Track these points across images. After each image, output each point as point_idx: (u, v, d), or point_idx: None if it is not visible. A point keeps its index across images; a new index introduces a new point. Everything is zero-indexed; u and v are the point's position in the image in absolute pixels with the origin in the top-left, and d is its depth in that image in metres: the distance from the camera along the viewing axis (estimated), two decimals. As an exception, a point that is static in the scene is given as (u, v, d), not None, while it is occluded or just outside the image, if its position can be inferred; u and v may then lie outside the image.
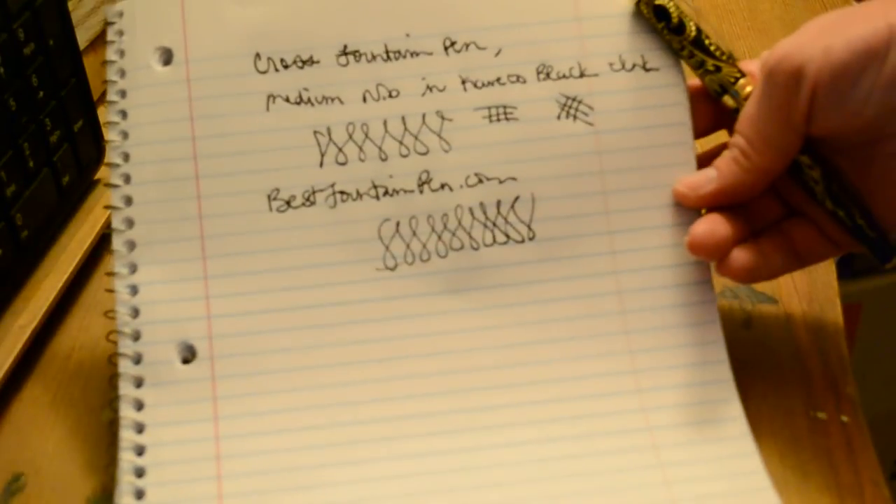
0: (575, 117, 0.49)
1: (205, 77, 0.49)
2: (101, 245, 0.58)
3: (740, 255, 0.48)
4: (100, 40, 0.69)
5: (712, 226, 0.48)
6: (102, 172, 0.62)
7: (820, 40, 0.45)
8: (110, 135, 0.49)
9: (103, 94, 0.70)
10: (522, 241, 0.49)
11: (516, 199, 0.49)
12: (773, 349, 0.52)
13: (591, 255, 0.49)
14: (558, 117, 0.49)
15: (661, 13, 0.49)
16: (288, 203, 0.48)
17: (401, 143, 0.49)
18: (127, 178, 0.48)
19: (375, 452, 0.45)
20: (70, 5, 0.65)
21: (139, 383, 0.46)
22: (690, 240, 0.48)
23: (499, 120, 0.49)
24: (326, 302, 0.47)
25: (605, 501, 0.45)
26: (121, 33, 0.50)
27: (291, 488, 0.45)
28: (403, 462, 0.45)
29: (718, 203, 0.48)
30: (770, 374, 0.51)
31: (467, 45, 0.49)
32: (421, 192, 0.49)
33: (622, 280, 0.49)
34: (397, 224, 0.48)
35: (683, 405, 0.47)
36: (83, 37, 0.67)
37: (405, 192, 0.48)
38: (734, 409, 0.47)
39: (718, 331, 0.48)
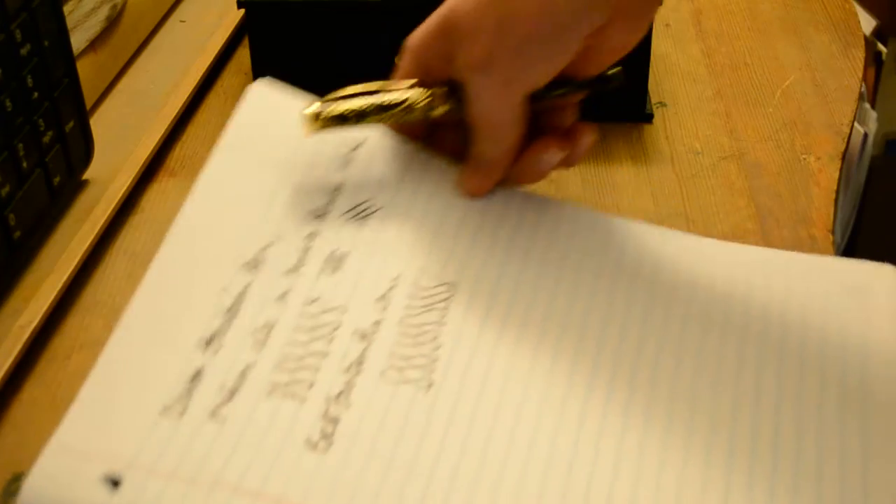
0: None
1: None
2: (101, 245, 0.58)
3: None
4: (99, 40, 0.69)
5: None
6: (90, 173, 0.62)
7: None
8: None
9: (100, 97, 0.70)
10: (447, 298, 0.51)
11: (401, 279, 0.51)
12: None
13: None
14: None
15: (341, 119, 0.53)
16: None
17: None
18: None
19: None
20: (70, 6, 0.65)
21: None
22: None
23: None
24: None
25: None
26: None
27: None
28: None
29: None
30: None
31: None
32: (359, 372, 0.48)
33: None
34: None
35: None
36: (83, 37, 0.67)
37: (345, 390, 0.47)
38: None
39: None
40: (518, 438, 0.46)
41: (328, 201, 0.53)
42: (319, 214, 0.53)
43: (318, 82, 0.67)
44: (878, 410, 0.47)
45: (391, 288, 0.51)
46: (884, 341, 0.50)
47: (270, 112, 0.56)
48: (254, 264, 0.50)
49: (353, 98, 0.53)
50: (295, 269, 0.51)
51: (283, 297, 0.49)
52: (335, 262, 0.51)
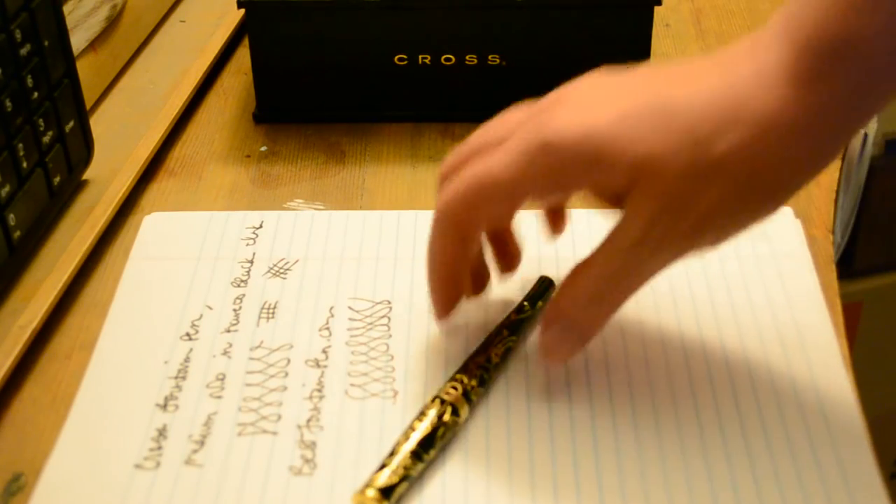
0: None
1: None
2: (101, 245, 0.58)
3: None
4: (99, 40, 0.69)
5: None
6: (90, 173, 0.62)
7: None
8: None
9: (100, 97, 0.70)
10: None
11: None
12: (773, 349, 0.52)
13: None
14: None
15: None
16: None
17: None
18: None
19: None
20: (70, 5, 0.65)
21: None
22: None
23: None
24: None
25: None
26: None
27: None
28: None
29: None
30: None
31: None
32: (322, 396, 0.49)
33: None
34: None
35: None
36: (83, 36, 0.67)
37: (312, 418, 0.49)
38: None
39: None
40: (494, 427, 0.48)
41: (246, 270, 0.56)
42: (241, 282, 0.56)
43: (318, 82, 0.67)
44: (816, 349, 0.51)
45: (329, 318, 0.53)
46: (801, 283, 0.54)
47: (171, 224, 0.60)
48: (190, 335, 0.53)
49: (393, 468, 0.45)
50: (231, 327, 0.53)
51: (226, 351, 0.52)
52: (268, 311, 0.54)
